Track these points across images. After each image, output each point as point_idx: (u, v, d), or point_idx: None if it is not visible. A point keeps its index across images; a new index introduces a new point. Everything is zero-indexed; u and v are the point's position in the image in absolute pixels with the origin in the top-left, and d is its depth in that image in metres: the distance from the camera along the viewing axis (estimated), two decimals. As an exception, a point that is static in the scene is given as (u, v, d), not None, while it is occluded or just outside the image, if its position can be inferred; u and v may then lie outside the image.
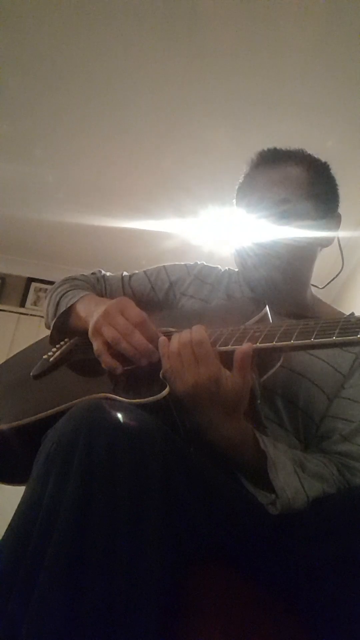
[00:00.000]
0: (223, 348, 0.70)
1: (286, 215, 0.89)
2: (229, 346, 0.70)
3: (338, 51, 1.79)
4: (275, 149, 0.96)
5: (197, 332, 0.70)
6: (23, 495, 0.58)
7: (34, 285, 3.74)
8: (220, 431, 0.70)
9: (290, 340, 0.66)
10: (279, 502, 0.69)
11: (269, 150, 0.96)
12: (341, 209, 0.97)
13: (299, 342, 0.65)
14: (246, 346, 0.68)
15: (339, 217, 0.97)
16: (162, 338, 0.74)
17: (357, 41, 1.74)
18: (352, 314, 0.66)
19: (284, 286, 0.92)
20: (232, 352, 0.69)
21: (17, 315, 3.59)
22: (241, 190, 0.97)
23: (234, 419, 0.70)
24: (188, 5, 1.71)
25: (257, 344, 0.68)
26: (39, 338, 1.05)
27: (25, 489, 0.58)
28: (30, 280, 3.76)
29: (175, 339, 0.72)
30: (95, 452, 0.53)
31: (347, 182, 0.98)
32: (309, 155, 0.96)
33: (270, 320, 0.81)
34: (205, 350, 0.69)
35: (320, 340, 0.63)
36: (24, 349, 1.04)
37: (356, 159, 2.12)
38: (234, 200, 0.99)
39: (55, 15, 1.81)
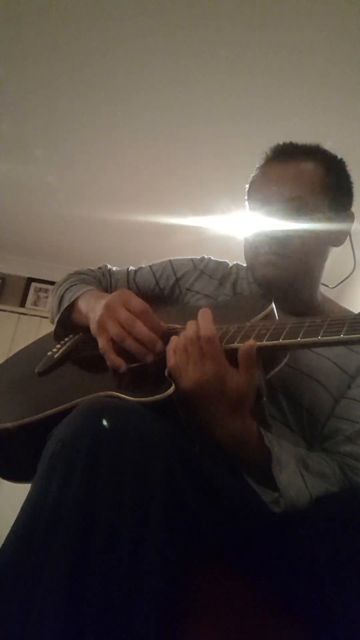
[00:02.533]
0: (229, 345, 0.69)
1: (299, 212, 0.87)
2: (235, 344, 0.69)
3: (341, 50, 1.79)
4: (290, 143, 0.94)
5: (206, 328, 0.69)
6: (28, 494, 0.57)
7: (34, 285, 3.74)
8: (225, 428, 0.69)
9: (297, 338, 0.65)
10: (282, 501, 0.68)
11: (284, 144, 0.94)
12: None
13: (306, 339, 0.64)
14: (250, 344, 0.67)
15: (352, 215, 0.94)
16: (173, 337, 0.73)
17: (359, 39, 1.74)
18: None
19: (294, 285, 0.91)
20: (237, 350, 0.68)
21: (17, 315, 3.59)
22: (254, 185, 0.95)
23: (239, 417, 0.70)
24: (190, 2, 1.71)
25: (264, 341, 0.67)
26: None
27: (30, 488, 0.58)
28: (30, 280, 3.76)
29: (182, 334, 0.71)
30: (100, 452, 0.53)
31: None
32: (325, 150, 0.94)
33: (277, 318, 0.80)
34: (213, 346, 0.68)
35: (328, 338, 0.62)
36: (28, 345, 1.03)
37: (356, 158, 2.11)
38: (245, 195, 0.98)
39: (55, 15, 1.81)
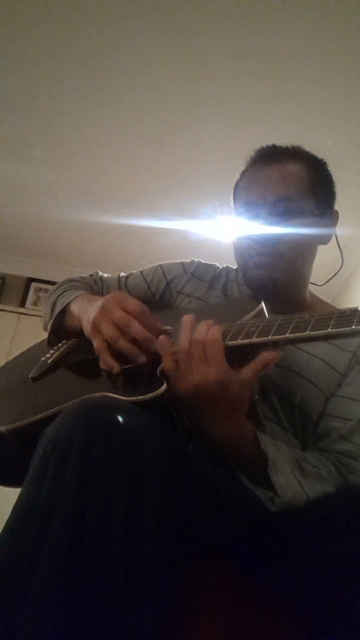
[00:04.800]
0: (231, 342, 0.69)
1: (287, 213, 0.89)
2: (225, 342, 0.70)
3: (338, 50, 1.79)
4: (274, 146, 0.96)
5: (213, 331, 0.69)
6: (20, 494, 0.57)
7: (34, 285, 3.74)
8: (221, 431, 0.70)
9: (286, 334, 0.65)
10: (278, 501, 0.68)
11: (267, 147, 0.96)
12: (341, 208, 0.97)
13: (295, 335, 0.65)
14: (274, 354, 0.68)
15: (336, 214, 0.97)
16: (162, 337, 0.73)
17: (357, 40, 1.74)
18: (349, 307, 0.66)
19: (284, 285, 0.92)
20: (237, 347, 0.68)
21: (17, 315, 3.59)
22: (240, 188, 0.97)
23: (235, 419, 0.70)
24: (188, 4, 1.71)
25: (253, 338, 0.68)
26: (39, 338, 1.05)
27: (22, 488, 0.58)
28: (30, 280, 3.76)
29: (186, 335, 0.71)
30: (92, 451, 0.53)
31: (347, 181, 0.98)
32: (307, 152, 0.96)
33: (267, 317, 0.80)
34: (217, 350, 0.68)
35: (316, 332, 0.63)
36: (23, 352, 1.04)
37: (356, 157, 2.12)
38: (232, 198, 0.99)
39: (55, 15, 1.81)
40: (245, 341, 0.69)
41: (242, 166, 0.98)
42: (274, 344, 0.68)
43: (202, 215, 2.83)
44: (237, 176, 0.99)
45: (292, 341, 0.67)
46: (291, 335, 0.65)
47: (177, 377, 0.69)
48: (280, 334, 0.66)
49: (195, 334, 0.70)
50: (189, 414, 0.71)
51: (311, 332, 0.63)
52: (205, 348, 0.68)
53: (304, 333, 0.64)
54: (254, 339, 0.68)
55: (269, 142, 0.97)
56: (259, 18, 1.72)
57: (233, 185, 1.00)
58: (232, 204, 1.00)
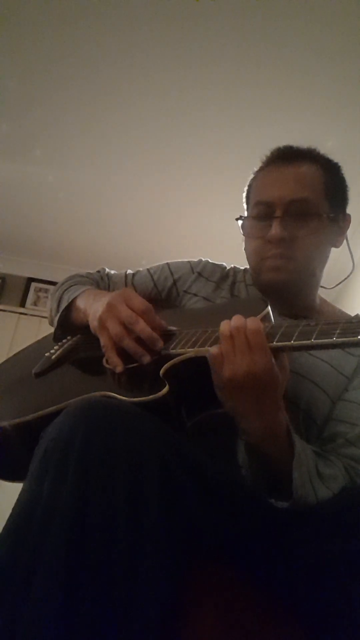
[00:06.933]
0: (281, 344, 0.67)
1: (302, 214, 0.88)
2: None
3: (339, 51, 1.80)
4: (290, 146, 0.95)
5: (253, 320, 0.68)
6: (20, 493, 0.57)
7: (34, 285, 3.73)
8: (263, 422, 0.68)
9: (291, 341, 0.65)
10: (292, 501, 0.68)
11: (283, 147, 0.95)
12: (342, 209, 0.97)
13: (299, 342, 0.64)
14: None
15: (348, 217, 0.96)
16: (225, 322, 0.70)
17: (357, 41, 1.74)
18: (357, 315, 0.66)
19: (296, 288, 0.91)
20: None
21: (17, 315, 3.58)
22: (254, 186, 0.96)
23: (277, 411, 0.68)
24: (189, 9, 1.72)
25: None
26: (39, 338, 1.05)
27: (23, 487, 0.58)
28: (30, 280, 3.75)
29: (226, 325, 0.69)
30: (92, 451, 0.53)
31: (347, 182, 0.98)
32: (323, 155, 0.95)
33: (272, 320, 0.80)
34: (261, 339, 0.66)
35: (320, 340, 0.63)
36: (27, 347, 1.04)
37: (356, 157, 2.12)
38: (244, 197, 0.98)
39: (55, 16, 1.82)
40: None
41: (244, 164, 0.98)
42: (278, 350, 0.68)
43: (205, 215, 2.83)
44: (245, 175, 0.98)
45: (296, 348, 0.66)
46: (295, 342, 0.65)
47: (220, 364, 0.67)
48: (285, 341, 0.66)
49: (235, 320, 0.68)
50: (228, 405, 0.69)
51: (315, 341, 0.63)
52: (247, 336, 0.66)
53: (308, 341, 0.64)
54: None
55: (271, 143, 0.96)
56: (259, 20, 1.72)
57: (238, 184, 0.99)
58: (243, 203, 0.99)
